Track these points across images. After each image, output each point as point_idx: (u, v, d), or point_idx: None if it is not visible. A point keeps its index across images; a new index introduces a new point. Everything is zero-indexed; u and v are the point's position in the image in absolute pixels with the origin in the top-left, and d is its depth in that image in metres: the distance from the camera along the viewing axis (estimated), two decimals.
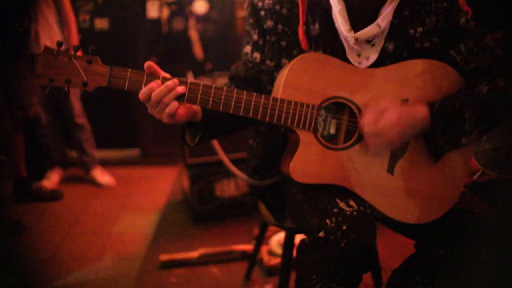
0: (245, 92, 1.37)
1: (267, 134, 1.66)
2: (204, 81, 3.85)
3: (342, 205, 1.35)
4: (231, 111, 1.37)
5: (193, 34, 4.42)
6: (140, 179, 4.15)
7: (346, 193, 1.42)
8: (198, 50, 4.45)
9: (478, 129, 1.43)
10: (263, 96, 1.38)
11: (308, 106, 1.39)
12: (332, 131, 1.47)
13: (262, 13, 1.54)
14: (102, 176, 3.97)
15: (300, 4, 1.47)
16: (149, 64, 1.33)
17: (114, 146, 4.60)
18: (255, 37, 1.57)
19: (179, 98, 1.33)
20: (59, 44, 1.29)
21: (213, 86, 1.35)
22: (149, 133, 4.45)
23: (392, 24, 1.46)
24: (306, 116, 1.39)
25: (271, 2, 1.53)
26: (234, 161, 2.25)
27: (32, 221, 3.33)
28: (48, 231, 3.20)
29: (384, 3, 1.44)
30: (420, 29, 1.48)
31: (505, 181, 2.04)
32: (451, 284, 1.46)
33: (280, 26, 1.52)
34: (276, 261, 2.56)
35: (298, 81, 1.40)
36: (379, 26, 1.42)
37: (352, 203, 1.36)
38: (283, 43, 1.52)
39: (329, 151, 1.43)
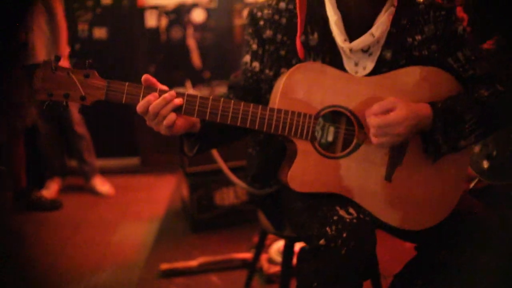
0: (242, 102, 1.38)
1: (266, 143, 1.67)
2: (202, 90, 3.87)
3: (342, 212, 1.36)
4: (229, 122, 1.38)
5: (191, 43, 4.44)
6: (139, 187, 4.14)
7: (346, 200, 1.43)
8: (196, 59, 4.46)
9: (477, 133, 1.44)
10: (260, 106, 1.39)
11: (305, 115, 1.40)
12: (330, 139, 1.48)
13: (261, 23, 1.55)
14: (102, 185, 3.96)
15: (298, 14, 1.48)
16: (146, 77, 1.34)
17: (113, 155, 4.60)
18: (254, 46, 1.58)
19: (177, 110, 1.34)
20: (57, 58, 1.30)
21: (210, 97, 1.36)
22: (148, 142, 4.45)
23: (390, 33, 1.47)
24: (304, 125, 1.41)
25: (270, 12, 1.54)
26: (233, 169, 2.26)
27: (32, 230, 3.33)
28: (47, 241, 3.20)
29: (379, 12, 1.45)
30: (418, 37, 1.50)
31: (503, 185, 2.04)
32: (452, 287, 1.47)
33: (279, 36, 1.53)
34: (276, 269, 2.56)
35: (295, 90, 1.41)
36: (373, 35, 1.43)
37: (351, 210, 1.37)
38: (282, 53, 1.53)
39: (327, 160, 1.44)
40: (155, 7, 4.36)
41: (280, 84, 1.42)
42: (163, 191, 4.00)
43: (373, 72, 1.47)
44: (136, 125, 4.39)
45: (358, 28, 1.45)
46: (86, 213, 3.61)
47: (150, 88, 1.34)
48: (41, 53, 3.22)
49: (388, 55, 1.48)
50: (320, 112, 1.42)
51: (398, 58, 1.49)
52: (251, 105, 1.38)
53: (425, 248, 1.57)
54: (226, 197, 3.21)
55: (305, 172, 1.43)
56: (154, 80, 1.35)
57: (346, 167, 1.45)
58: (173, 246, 3.04)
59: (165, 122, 1.32)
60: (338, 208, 1.37)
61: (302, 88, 1.41)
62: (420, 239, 1.57)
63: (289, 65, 1.50)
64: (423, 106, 1.41)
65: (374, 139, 1.39)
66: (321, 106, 1.42)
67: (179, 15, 4.41)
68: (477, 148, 2.01)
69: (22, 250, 3.07)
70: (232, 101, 1.38)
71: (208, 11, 4.44)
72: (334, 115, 1.46)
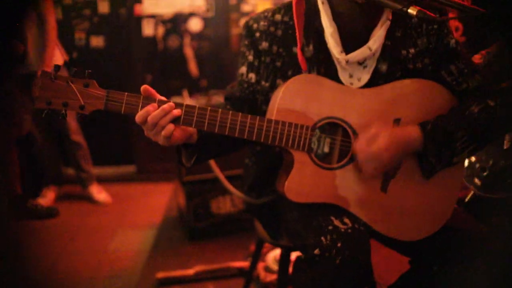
0: (240, 114, 1.39)
1: (262, 153, 1.68)
2: (199, 99, 3.89)
3: (336, 222, 1.37)
4: (226, 133, 1.39)
5: (188, 52, 4.46)
6: (136, 195, 4.15)
7: (341, 211, 1.45)
8: (193, 68, 4.48)
9: (469, 149, 1.46)
10: (258, 117, 1.40)
11: (302, 127, 1.42)
12: (326, 150, 1.49)
13: (257, 34, 1.56)
14: (98, 193, 3.97)
15: (296, 26, 1.50)
16: (145, 87, 1.35)
17: (109, 163, 4.60)
18: (250, 58, 1.59)
19: (175, 120, 1.35)
20: (57, 68, 1.31)
21: (208, 108, 1.37)
22: (144, 150, 4.45)
23: (385, 45, 1.49)
24: (300, 136, 1.42)
25: (266, 24, 1.56)
26: (229, 178, 2.27)
27: (28, 238, 3.32)
28: (44, 249, 3.20)
29: (375, 25, 1.47)
30: (412, 50, 1.52)
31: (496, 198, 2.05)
32: None
33: (275, 48, 1.55)
34: (272, 277, 2.56)
35: (292, 102, 1.43)
36: (370, 49, 1.46)
37: (346, 220, 1.38)
38: (278, 64, 1.55)
39: (323, 170, 1.45)
40: (152, 16, 4.39)
41: (277, 96, 1.44)
42: (160, 199, 4.01)
43: (369, 84, 1.49)
44: (132, 133, 4.39)
45: (354, 40, 1.47)
46: (83, 221, 3.62)
47: (149, 99, 1.34)
48: (33, 61, 3.21)
49: (384, 67, 1.50)
50: (316, 123, 1.44)
51: (394, 71, 1.51)
52: (249, 116, 1.40)
53: (419, 261, 1.59)
54: (223, 205, 3.22)
55: (301, 182, 1.44)
56: (153, 90, 1.36)
57: (342, 178, 1.46)
58: (169, 255, 3.04)
59: (163, 133, 1.33)
60: (333, 218, 1.39)
61: (299, 100, 1.43)
62: (414, 253, 1.59)
63: (285, 77, 1.52)
64: (411, 130, 1.43)
65: (364, 173, 1.44)
66: (317, 118, 1.44)
67: (176, 24, 4.44)
68: (471, 162, 2.03)
69: (18, 258, 3.05)
70: (230, 112, 1.39)
71: (205, 20, 4.46)
72: (331, 127, 1.48)
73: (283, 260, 1.88)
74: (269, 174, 1.65)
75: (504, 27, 2.05)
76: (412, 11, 1.28)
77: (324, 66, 1.51)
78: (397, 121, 1.48)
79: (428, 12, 1.28)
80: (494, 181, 1.97)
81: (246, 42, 1.60)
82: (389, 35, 1.49)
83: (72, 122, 3.77)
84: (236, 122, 1.39)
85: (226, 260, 2.81)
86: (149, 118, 1.32)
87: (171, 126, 1.33)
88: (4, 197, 3.20)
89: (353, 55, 1.46)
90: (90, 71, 1.33)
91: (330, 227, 1.35)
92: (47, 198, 3.88)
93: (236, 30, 4.47)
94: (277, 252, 2.70)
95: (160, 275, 2.69)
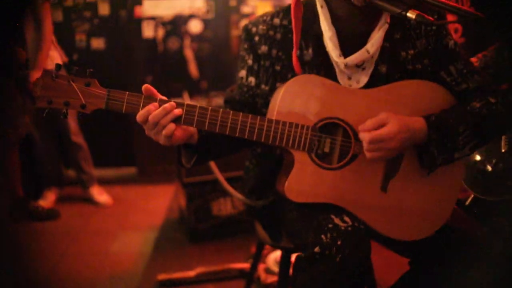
0: (241, 113, 1.40)
1: (262, 156, 1.69)
2: (199, 100, 3.89)
3: (337, 220, 1.37)
4: (227, 133, 1.40)
5: (188, 53, 4.47)
6: (136, 197, 4.15)
7: (341, 209, 1.45)
8: (193, 69, 4.49)
9: (471, 144, 1.46)
10: (259, 117, 1.41)
11: (302, 127, 1.42)
12: (327, 150, 1.50)
13: (257, 38, 1.57)
14: (99, 195, 3.97)
15: (294, 30, 1.50)
16: (146, 87, 1.35)
17: (110, 165, 4.61)
18: (249, 62, 1.60)
19: (176, 120, 1.35)
20: (58, 67, 1.31)
21: (209, 108, 1.38)
22: (145, 151, 4.46)
23: (384, 47, 1.50)
24: (301, 136, 1.42)
25: (265, 27, 1.56)
26: (230, 180, 2.27)
27: (29, 240, 3.32)
28: (45, 251, 3.20)
29: (373, 28, 1.48)
30: (411, 52, 1.52)
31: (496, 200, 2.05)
32: None
33: (274, 51, 1.55)
34: (273, 279, 2.57)
35: (292, 102, 1.43)
36: (368, 51, 1.46)
37: (346, 218, 1.38)
38: (278, 68, 1.55)
39: (324, 170, 1.46)
40: (152, 18, 4.40)
41: (277, 96, 1.45)
42: (161, 201, 4.01)
43: (368, 86, 1.50)
44: (133, 135, 4.40)
45: (352, 43, 1.48)
46: (84, 223, 3.62)
47: (150, 98, 1.35)
48: (31, 62, 3.21)
49: (384, 69, 1.51)
50: (317, 123, 1.44)
51: (393, 72, 1.51)
52: (250, 115, 1.40)
53: (418, 263, 1.59)
54: (224, 207, 3.22)
55: (302, 182, 1.44)
56: (154, 90, 1.36)
57: (342, 178, 1.47)
58: (170, 256, 3.04)
59: (164, 132, 1.34)
60: (333, 216, 1.39)
61: (300, 100, 1.43)
62: (414, 254, 1.59)
63: (284, 80, 1.52)
64: (416, 120, 1.43)
65: (367, 154, 1.43)
66: (318, 118, 1.44)
67: (176, 25, 4.45)
68: (470, 164, 2.03)
69: (19, 260, 3.06)
70: (231, 111, 1.39)
71: (205, 22, 4.48)
72: (331, 127, 1.48)
73: (284, 261, 1.88)
74: (269, 177, 1.65)
75: (503, 29, 2.05)
76: (411, 14, 1.29)
77: (323, 69, 1.51)
78: None
79: (426, 16, 1.28)
80: (494, 183, 1.97)
81: (246, 46, 1.60)
82: (388, 37, 1.49)
83: (72, 123, 3.77)
84: (237, 122, 1.39)
85: (227, 262, 2.81)
86: (150, 117, 1.33)
87: (172, 126, 1.34)
88: (6, 199, 3.20)
89: (351, 58, 1.46)
90: (91, 70, 1.33)
91: (330, 225, 1.35)
92: (48, 200, 3.87)
93: (236, 32, 4.49)
94: (277, 253, 2.70)
95: (161, 277, 2.69)
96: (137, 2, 4.36)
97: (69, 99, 1.33)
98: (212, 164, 2.31)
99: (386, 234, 1.50)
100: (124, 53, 4.44)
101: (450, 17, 1.62)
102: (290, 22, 1.53)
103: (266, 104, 1.54)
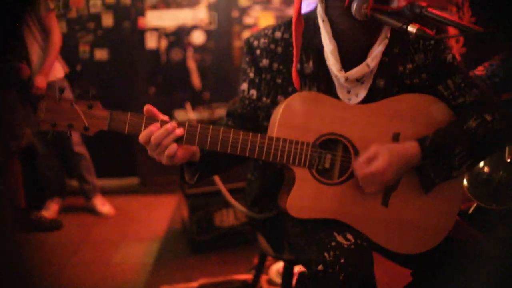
0: (242, 132, 1.41)
1: (265, 168, 1.70)
2: (202, 112, 3.90)
3: (339, 238, 1.38)
4: (229, 151, 1.41)
5: (191, 64, 4.49)
6: (139, 207, 4.14)
7: (343, 226, 1.46)
8: (196, 80, 4.50)
9: (467, 164, 1.48)
10: (259, 135, 1.42)
11: (303, 143, 1.44)
12: (327, 166, 1.51)
13: (258, 52, 1.59)
14: (102, 205, 3.96)
15: (294, 44, 1.51)
16: (148, 107, 1.36)
17: (112, 175, 4.60)
18: (251, 75, 1.61)
19: (178, 140, 1.36)
20: (61, 90, 1.33)
21: (211, 127, 1.39)
22: (147, 162, 4.42)
23: (382, 62, 1.51)
24: (301, 153, 1.44)
25: (266, 41, 1.58)
26: (232, 191, 2.28)
27: (32, 251, 3.32)
28: (47, 261, 3.19)
29: (374, 43, 1.49)
30: (409, 66, 1.54)
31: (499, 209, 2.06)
32: None
33: (275, 65, 1.57)
34: None
35: (292, 119, 1.45)
36: (368, 66, 1.47)
37: (349, 236, 1.39)
38: (279, 81, 1.57)
39: (325, 186, 1.47)
40: (155, 29, 4.42)
41: (278, 113, 1.46)
42: (163, 212, 4.01)
43: (366, 100, 1.51)
44: (135, 145, 4.39)
45: (353, 57, 1.49)
46: (86, 233, 3.62)
47: (152, 119, 1.36)
48: (35, 69, 3.23)
49: (381, 83, 1.52)
50: (317, 140, 1.46)
51: (391, 86, 1.53)
52: (250, 134, 1.41)
53: (421, 274, 1.59)
54: (226, 218, 3.22)
55: (303, 199, 1.46)
56: (156, 110, 1.38)
57: (343, 193, 1.48)
58: (173, 267, 3.05)
59: (166, 153, 1.35)
60: (336, 234, 1.40)
61: (300, 117, 1.45)
62: (416, 266, 1.59)
63: (285, 93, 1.54)
64: (409, 146, 1.45)
65: (364, 189, 1.46)
66: (318, 134, 1.46)
67: (179, 36, 4.47)
68: (474, 174, 2.04)
69: (22, 271, 3.06)
70: (232, 130, 1.40)
71: (208, 33, 4.49)
72: (331, 143, 1.50)
73: (286, 273, 1.89)
74: (271, 189, 1.66)
75: (506, 39, 2.06)
76: (412, 28, 1.29)
77: (324, 83, 1.53)
78: (396, 136, 1.50)
79: (427, 30, 1.29)
80: (497, 193, 1.98)
81: (247, 59, 1.62)
82: (387, 51, 1.51)
83: (74, 134, 3.78)
84: (238, 140, 1.41)
85: (229, 273, 2.82)
86: (152, 138, 1.34)
87: (174, 146, 1.35)
88: (8, 210, 3.20)
89: (352, 72, 1.47)
90: (94, 92, 1.35)
91: (333, 243, 1.36)
92: (50, 210, 3.87)
93: (239, 43, 4.51)
94: (280, 265, 2.70)
95: (164, 287, 2.70)
96: (141, 13, 4.38)
97: (73, 122, 1.34)
98: (216, 177, 2.33)
99: (388, 248, 1.52)
100: (127, 64, 4.45)
101: (451, 31, 1.63)
102: (291, 36, 1.55)
103: (268, 117, 1.55)
